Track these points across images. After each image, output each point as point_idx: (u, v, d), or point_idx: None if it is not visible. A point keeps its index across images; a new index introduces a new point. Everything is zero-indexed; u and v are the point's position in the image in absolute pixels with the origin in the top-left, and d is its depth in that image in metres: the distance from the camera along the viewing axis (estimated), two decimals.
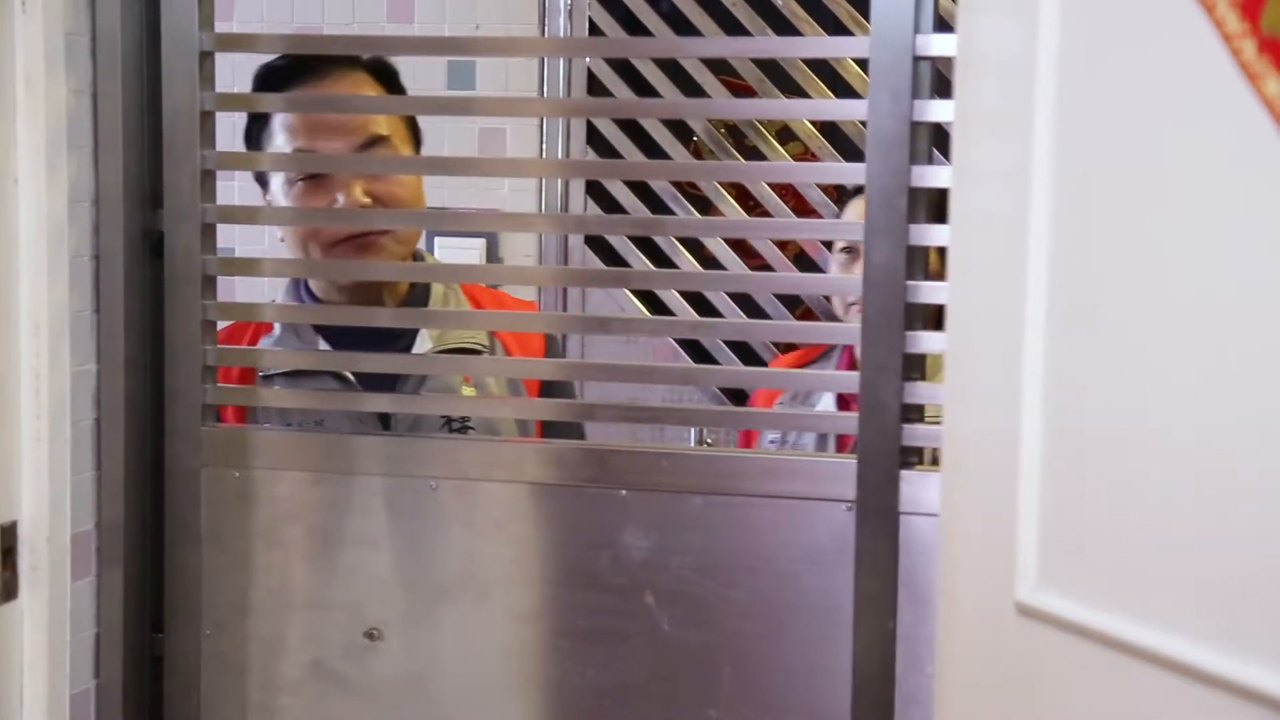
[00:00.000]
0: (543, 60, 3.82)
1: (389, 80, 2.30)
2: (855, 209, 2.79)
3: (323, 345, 2.25)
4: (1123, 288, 1.21)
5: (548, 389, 2.32)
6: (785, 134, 4.04)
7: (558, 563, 1.92)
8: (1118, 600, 1.23)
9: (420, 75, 3.75)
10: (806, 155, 3.92)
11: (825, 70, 3.74)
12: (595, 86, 3.87)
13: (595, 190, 3.94)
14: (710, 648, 1.88)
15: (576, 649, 1.92)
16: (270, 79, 2.24)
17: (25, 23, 1.75)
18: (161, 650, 2.03)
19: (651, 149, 3.87)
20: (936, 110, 1.74)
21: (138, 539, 2.00)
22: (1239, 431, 1.13)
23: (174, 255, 1.97)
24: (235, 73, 3.78)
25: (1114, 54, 1.21)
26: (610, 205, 3.93)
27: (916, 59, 1.73)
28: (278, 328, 2.27)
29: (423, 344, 2.27)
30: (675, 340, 3.82)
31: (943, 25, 1.74)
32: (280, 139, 2.22)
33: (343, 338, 2.24)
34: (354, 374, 2.19)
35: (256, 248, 3.89)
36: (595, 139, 3.90)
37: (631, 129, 3.88)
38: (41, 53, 1.77)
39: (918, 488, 1.77)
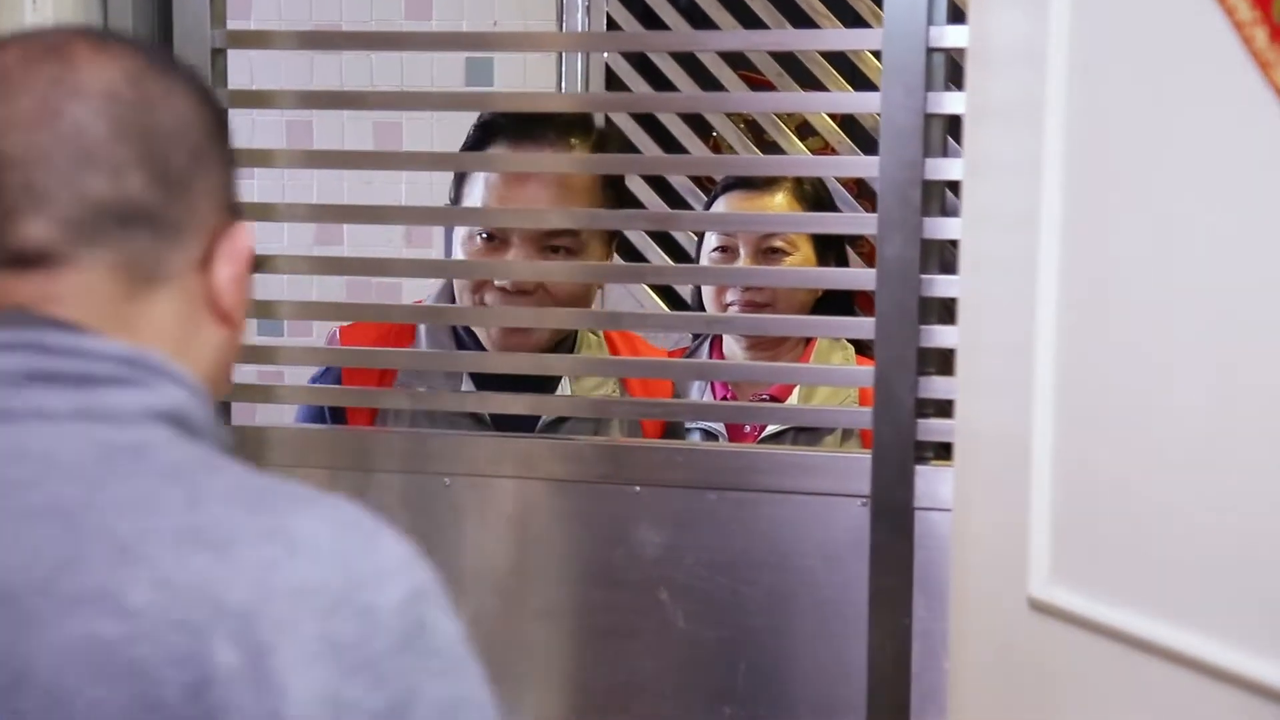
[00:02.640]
0: (560, 55, 3.81)
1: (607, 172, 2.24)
2: (723, 205, 2.72)
3: (467, 384, 2.17)
4: (1134, 280, 1.20)
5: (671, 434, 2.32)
6: (805, 129, 4.02)
7: (571, 559, 1.91)
8: (1130, 595, 1.22)
9: (438, 71, 3.75)
10: (826, 150, 3.91)
11: (845, 65, 3.72)
12: (613, 82, 3.86)
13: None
14: (725, 644, 1.87)
15: (590, 645, 1.91)
16: (485, 132, 2.18)
17: (35, 21, 1.75)
18: None
19: (670, 144, 3.85)
20: (950, 102, 1.72)
21: None
22: (1253, 425, 1.12)
23: None
24: (255, 72, 3.80)
25: (1125, 44, 1.20)
26: (628, 200, 3.92)
27: (930, 51, 1.72)
28: (424, 336, 2.21)
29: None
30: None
31: (957, 17, 1.73)
32: (478, 195, 2.15)
33: (489, 380, 2.16)
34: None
35: (275, 245, 3.89)
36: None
37: (649, 124, 3.87)
38: None
39: (933, 483, 1.76)
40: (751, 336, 2.63)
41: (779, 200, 2.65)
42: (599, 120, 2.30)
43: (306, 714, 0.92)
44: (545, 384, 2.21)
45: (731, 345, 2.69)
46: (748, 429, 2.57)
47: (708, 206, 2.80)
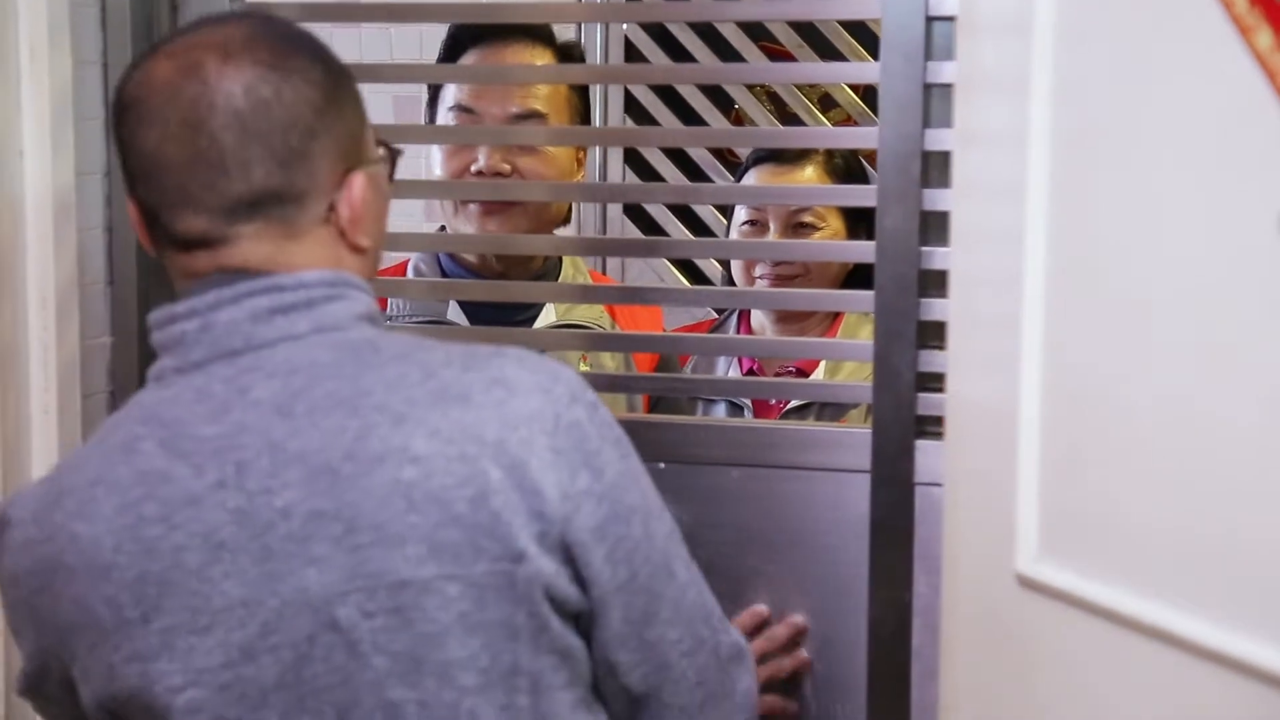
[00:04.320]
0: (579, 27, 3.78)
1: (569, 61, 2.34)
2: (753, 178, 2.68)
3: (454, 307, 2.24)
4: (1120, 250, 1.18)
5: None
6: (827, 101, 3.99)
7: None
8: (1116, 572, 1.20)
9: None
10: (848, 122, 3.88)
11: (867, 35, 3.69)
12: (632, 54, 3.84)
13: (633, 159, 3.91)
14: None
15: None
16: (455, 42, 2.28)
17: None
18: None
19: (690, 117, 3.83)
20: (950, 72, 1.69)
21: None
22: (1238, 400, 1.10)
23: None
24: None
25: (1109, 10, 1.18)
26: (648, 174, 3.90)
27: (930, 19, 1.69)
28: (411, 277, 2.27)
29: (546, 318, 2.26)
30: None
31: None
32: (451, 92, 2.25)
33: (473, 302, 2.24)
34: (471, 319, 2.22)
35: None
36: (633, 107, 3.87)
37: (669, 97, 3.85)
38: (45, 23, 1.76)
39: (933, 457, 1.74)
40: (779, 309, 2.60)
41: (809, 174, 2.61)
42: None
43: (556, 502, 1.30)
44: (530, 308, 2.27)
45: (760, 317, 2.66)
46: (773, 401, 2.54)
47: (737, 180, 2.76)
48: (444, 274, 2.28)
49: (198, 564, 1.29)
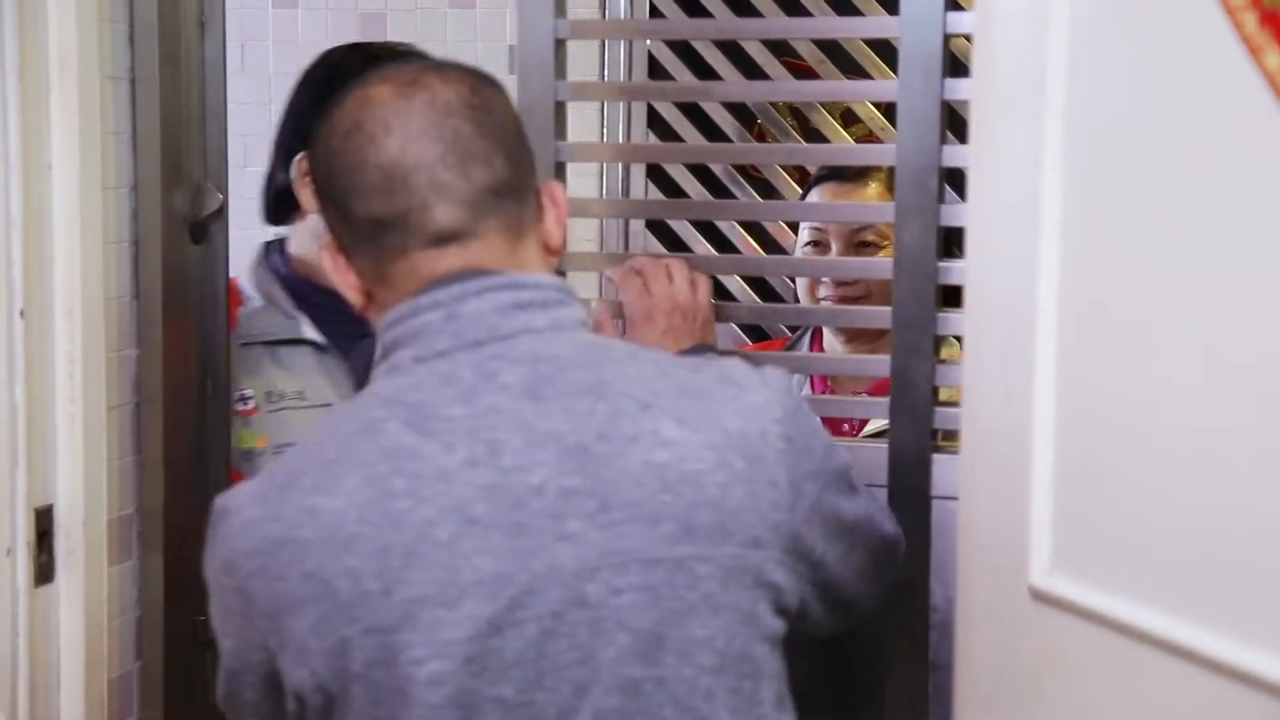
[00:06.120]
0: (603, 43, 3.79)
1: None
2: (815, 196, 2.68)
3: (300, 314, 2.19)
4: (1132, 268, 1.19)
5: None
6: (849, 117, 3.99)
7: None
8: (1129, 586, 1.20)
9: (483, 61, 3.73)
10: (870, 138, 3.88)
11: (890, 52, 3.69)
12: (656, 69, 3.84)
13: (656, 174, 3.91)
14: None
15: None
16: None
17: (58, 8, 1.76)
18: (205, 634, 2.04)
19: (713, 132, 3.83)
20: (968, 89, 1.71)
21: (179, 523, 2.01)
22: (1250, 415, 1.10)
23: (215, 240, 1.99)
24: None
25: (1122, 27, 1.19)
26: (671, 188, 3.90)
27: (947, 37, 1.71)
28: (257, 299, 2.20)
29: None
30: (738, 325, 3.79)
31: None
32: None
33: (318, 306, 2.18)
34: (325, 338, 2.17)
35: None
36: (656, 122, 3.88)
37: (693, 112, 3.85)
38: (74, 39, 1.78)
39: (950, 471, 1.75)
40: (848, 330, 2.60)
41: (871, 191, 2.60)
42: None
43: (787, 490, 1.39)
44: None
45: (830, 337, 2.65)
46: (846, 425, 2.51)
47: (802, 197, 2.77)
48: None
49: (448, 537, 1.32)
